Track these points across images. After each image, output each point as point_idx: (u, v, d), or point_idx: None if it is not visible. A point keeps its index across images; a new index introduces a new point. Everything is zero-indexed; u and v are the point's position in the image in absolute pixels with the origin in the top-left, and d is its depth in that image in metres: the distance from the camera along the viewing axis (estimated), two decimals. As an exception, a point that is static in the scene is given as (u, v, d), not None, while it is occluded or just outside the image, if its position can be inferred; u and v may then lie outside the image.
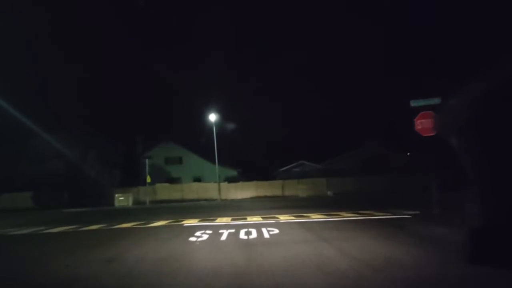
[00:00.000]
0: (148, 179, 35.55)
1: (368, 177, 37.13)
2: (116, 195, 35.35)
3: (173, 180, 42.08)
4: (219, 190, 36.04)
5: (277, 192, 37.38)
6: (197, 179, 42.60)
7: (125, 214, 21.70)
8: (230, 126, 40.98)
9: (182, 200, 35.88)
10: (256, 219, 14.19)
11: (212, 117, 35.52)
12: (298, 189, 36.93)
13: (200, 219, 15.13)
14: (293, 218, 14.01)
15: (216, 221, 13.95)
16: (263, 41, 71.54)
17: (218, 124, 37.22)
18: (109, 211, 26.86)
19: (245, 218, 14.42)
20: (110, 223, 14.87)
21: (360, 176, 37.88)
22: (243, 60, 72.73)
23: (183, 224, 13.50)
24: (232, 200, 34.55)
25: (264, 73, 71.82)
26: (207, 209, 21.92)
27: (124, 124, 45.71)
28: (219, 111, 38.49)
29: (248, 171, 43.89)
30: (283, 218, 14.12)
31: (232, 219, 14.27)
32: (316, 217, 13.99)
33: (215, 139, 35.50)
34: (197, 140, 45.50)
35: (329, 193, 36.63)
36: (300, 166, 42.42)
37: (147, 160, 42.27)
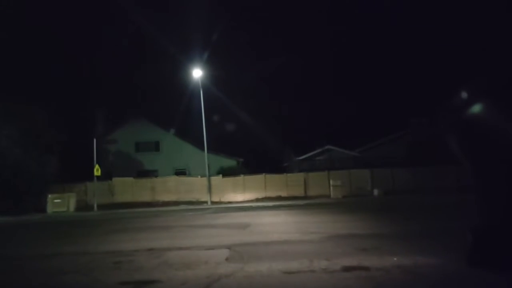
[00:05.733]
0: (97, 171, 22.85)
1: (420, 169, 24.75)
2: (50, 197, 22.83)
3: (146, 174, 29.47)
4: (209, 187, 23.50)
5: (297, 190, 24.86)
6: (181, 173, 29.98)
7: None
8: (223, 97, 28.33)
9: (151, 204, 23.29)
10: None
11: (197, 73, 22.87)
12: (329, 185, 24.40)
13: None
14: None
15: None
16: None
17: (208, 87, 24.62)
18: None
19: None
20: None
21: (410, 167, 25.45)
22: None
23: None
24: (228, 206, 21.94)
25: (277, 25, 56.39)
26: (171, 230, 9.28)
27: (76, 94, 32.51)
28: (212, 77, 25.69)
29: (252, 161, 31.37)
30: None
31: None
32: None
33: (203, 108, 22.90)
34: (182, 120, 32.89)
35: (375, 192, 24.14)
36: (326, 153, 29.93)
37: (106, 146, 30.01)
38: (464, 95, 1.51)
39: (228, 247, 6.39)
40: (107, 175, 26.37)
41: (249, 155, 32.84)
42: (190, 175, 28.73)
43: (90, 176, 24.29)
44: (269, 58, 55.88)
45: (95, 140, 23.13)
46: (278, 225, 9.09)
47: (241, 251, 5.92)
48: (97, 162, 29.98)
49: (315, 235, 7.52)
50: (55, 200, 22.87)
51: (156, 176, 27.99)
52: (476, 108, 1.43)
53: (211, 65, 36.22)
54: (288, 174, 26.13)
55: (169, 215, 14.47)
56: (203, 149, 24.64)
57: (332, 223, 9.14)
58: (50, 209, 22.74)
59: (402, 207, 14.05)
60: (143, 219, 13.21)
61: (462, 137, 1.51)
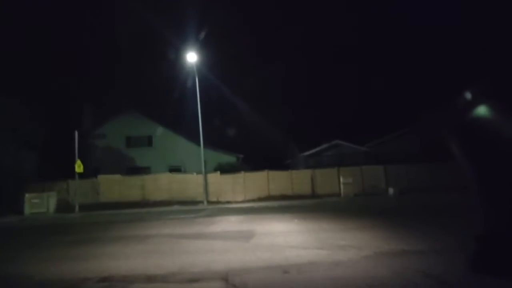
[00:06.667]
0: (78, 167, 20.38)
1: (437, 165, 22.25)
2: (27, 196, 20.36)
3: (138, 171, 26.94)
4: (206, 186, 21.05)
5: (304, 188, 22.39)
6: (176, 170, 27.47)
7: None
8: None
9: (141, 204, 20.82)
10: None
11: (192, 58, 20.33)
12: (339, 183, 21.96)
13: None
14: None
15: None
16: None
17: (204, 76, 22.15)
18: None
19: None
20: None
21: (426, 163, 23.03)
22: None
23: None
24: (227, 206, 19.55)
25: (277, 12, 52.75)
26: (150, 242, 6.79)
27: (61, 87, 29.76)
28: (208, 63, 23.25)
29: (253, 157, 28.94)
30: None
31: None
32: None
33: (198, 97, 20.44)
34: (177, 113, 30.43)
35: (390, 191, 21.71)
36: (334, 148, 27.42)
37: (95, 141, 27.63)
38: (468, 95, 1.39)
39: (224, 276, 3.99)
40: (95, 173, 23.86)
41: (250, 150, 30.34)
42: (185, 172, 26.25)
43: (73, 174, 21.77)
44: (272, 47, 52.97)
45: (76, 133, 20.57)
46: (291, 234, 6.65)
47: (245, 286, 3.49)
48: (84, 158, 27.47)
49: (350, 251, 5.11)
50: (33, 200, 20.40)
51: (148, 173, 25.47)
52: (481, 110, 1.32)
53: (208, 49, 33.36)
54: (294, 171, 23.64)
55: (157, 219, 12.02)
56: (199, 144, 22.17)
57: (360, 232, 6.71)
58: (27, 210, 20.27)
59: (430, 210, 11.62)
60: (123, 224, 10.76)
61: (465, 141, 1.41)
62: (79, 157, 23.23)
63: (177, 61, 23.69)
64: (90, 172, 23.84)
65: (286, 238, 6.13)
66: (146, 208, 19.46)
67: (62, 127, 24.78)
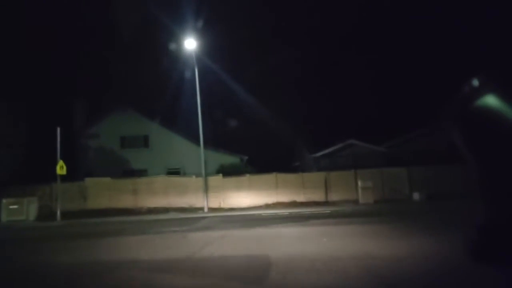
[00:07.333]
0: (61, 169, 17.96)
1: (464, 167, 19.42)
2: (4, 202, 18.05)
3: (133, 174, 24.51)
4: (206, 190, 18.60)
5: (317, 193, 19.91)
6: (174, 172, 25.04)
7: None
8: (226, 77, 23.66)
9: (133, 211, 18.39)
10: None
11: (190, 45, 17.90)
12: (356, 187, 19.47)
13: None
14: None
15: None
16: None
17: (204, 64, 19.77)
18: None
19: None
20: None
21: (454, 165, 20.34)
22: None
23: None
24: (231, 214, 17.09)
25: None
26: (101, 283, 4.30)
27: (48, 83, 27.04)
28: (209, 51, 20.89)
29: (258, 158, 26.50)
30: None
31: None
32: None
33: (198, 89, 18.04)
34: (174, 110, 28.05)
35: (416, 196, 19.19)
36: (349, 149, 24.90)
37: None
38: (475, 82, 1.32)
39: None
40: (88, 176, 21.45)
41: (255, 151, 27.82)
42: (185, 175, 23.82)
43: (54, 176, 19.33)
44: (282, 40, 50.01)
45: (59, 130, 18.21)
46: (329, 267, 4.06)
47: None
48: (76, 160, 25.19)
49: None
50: (11, 206, 18.10)
51: (145, 176, 23.03)
52: (489, 99, 1.25)
53: (210, 37, 30.79)
54: (305, 174, 21.14)
55: (142, 232, 9.57)
56: (200, 145, 19.76)
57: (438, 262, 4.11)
58: (4, 217, 17.98)
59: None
60: (92, 241, 8.32)
61: (467, 131, 1.36)
62: (71, 159, 20.96)
63: (175, 52, 21.30)
64: (83, 176, 21.47)
65: (323, 276, 3.63)
66: (137, 216, 17.05)
67: (48, 125, 22.43)
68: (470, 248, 1.43)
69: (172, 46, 21.00)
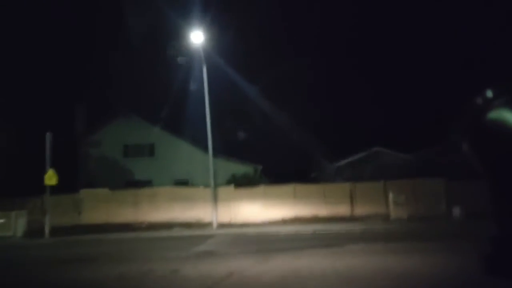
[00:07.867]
0: (49, 179, 15.91)
1: None
2: (-10, 215, 16.09)
3: (138, 185, 22.40)
4: (215, 203, 16.33)
5: (340, 207, 17.47)
6: (182, 183, 22.80)
7: None
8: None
9: (133, 227, 16.21)
10: None
11: (197, 38, 15.82)
12: (386, 201, 17.01)
13: None
14: None
15: None
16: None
17: (213, 63, 17.73)
18: None
19: None
20: None
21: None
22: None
23: None
24: (243, 232, 14.78)
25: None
26: None
27: (44, 88, 25.22)
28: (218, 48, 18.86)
29: (273, 168, 24.22)
30: None
31: None
32: None
33: (206, 87, 15.94)
34: (181, 117, 25.98)
35: (456, 212, 16.61)
36: (374, 157, 22.42)
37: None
38: (489, 93, 1.15)
39: None
40: (88, 187, 19.46)
41: (268, 161, 25.49)
42: (193, 186, 21.62)
43: (53, 188, 17.35)
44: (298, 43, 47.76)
45: (48, 135, 16.23)
46: None
47: None
48: (75, 169, 23.32)
49: None
50: (-3, 221, 16.12)
51: (151, 187, 20.92)
52: (502, 111, 1.09)
53: (220, 33, 28.58)
54: (327, 185, 18.74)
55: (123, 258, 7.37)
56: (208, 152, 17.63)
57: None
58: (-11, 232, 16.01)
59: None
60: (64, 269, 6.15)
61: (480, 145, 1.16)
62: (71, 169, 19.09)
63: (183, 53, 19.31)
64: (83, 187, 19.50)
65: None
66: (136, 233, 14.90)
67: (44, 131, 20.57)
68: (484, 261, 1.10)
69: (181, 46, 19.09)
